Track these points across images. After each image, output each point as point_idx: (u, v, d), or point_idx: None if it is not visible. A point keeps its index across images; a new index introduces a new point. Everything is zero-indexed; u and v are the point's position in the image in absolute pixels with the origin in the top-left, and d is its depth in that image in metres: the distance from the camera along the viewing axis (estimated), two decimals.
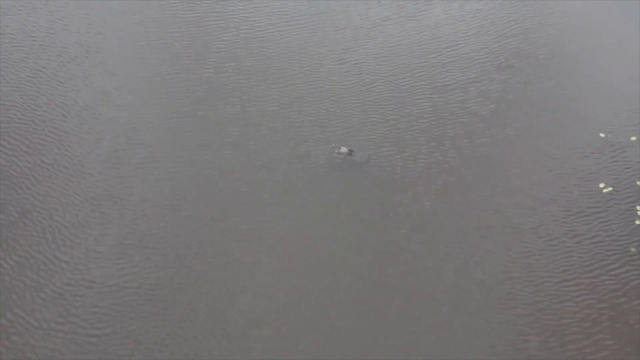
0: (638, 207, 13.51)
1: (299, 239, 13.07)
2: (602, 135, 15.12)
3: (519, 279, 12.59)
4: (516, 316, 12.05)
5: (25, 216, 13.20)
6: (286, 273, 12.54)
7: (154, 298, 12.05)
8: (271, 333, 11.65)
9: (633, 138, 14.77)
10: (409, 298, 12.23)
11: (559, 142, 15.14)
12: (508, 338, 11.73)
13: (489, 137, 15.19)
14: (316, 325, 11.82)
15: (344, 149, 14.33)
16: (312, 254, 12.85)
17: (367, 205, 13.71)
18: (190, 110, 15.53)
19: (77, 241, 12.82)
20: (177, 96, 15.85)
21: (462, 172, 14.42)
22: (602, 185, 13.93)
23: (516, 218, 13.58)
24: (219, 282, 12.35)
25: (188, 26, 17.73)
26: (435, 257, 12.88)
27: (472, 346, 11.60)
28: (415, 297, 12.24)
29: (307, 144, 14.88)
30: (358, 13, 18.38)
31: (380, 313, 12.02)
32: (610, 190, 14.08)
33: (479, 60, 17.12)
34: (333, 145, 14.63)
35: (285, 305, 12.05)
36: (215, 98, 15.84)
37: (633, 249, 13.03)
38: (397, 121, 15.49)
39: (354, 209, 13.63)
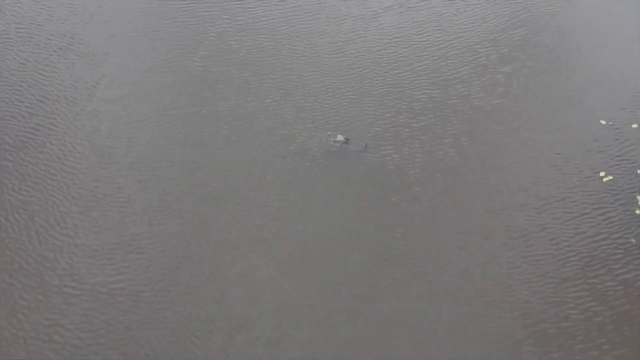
0: (638, 197, 13.33)
1: (293, 240, 12.84)
2: (602, 122, 14.86)
3: (520, 281, 12.28)
4: (516, 321, 11.73)
5: (8, 217, 12.96)
6: (280, 275, 12.32)
7: (142, 301, 11.86)
8: (265, 337, 11.45)
9: (634, 125, 14.52)
10: (406, 301, 11.98)
11: (562, 137, 14.75)
12: (507, 344, 11.42)
13: (491, 133, 14.79)
14: (311, 328, 11.61)
15: (340, 137, 14.21)
16: (306, 255, 12.63)
17: (364, 205, 13.43)
18: (181, 105, 15.23)
19: (62, 243, 12.61)
20: (168, 90, 15.55)
21: (463, 171, 14.07)
22: (602, 174, 13.81)
23: (518, 218, 13.22)
24: (210, 284, 12.14)
25: (179, 16, 17.40)
26: (434, 259, 12.57)
27: (469, 352, 11.28)
28: (412, 301, 11.99)
29: (302, 141, 14.56)
30: (357, 3, 17.94)
31: (376, 316, 11.79)
32: (610, 179, 13.85)
33: (482, 53, 16.68)
34: (329, 133, 14.40)
35: (279, 308, 11.85)
36: (207, 92, 15.53)
37: (633, 240, 12.79)
38: (395, 117, 15.11)
39: (351, 210, 13.35)
